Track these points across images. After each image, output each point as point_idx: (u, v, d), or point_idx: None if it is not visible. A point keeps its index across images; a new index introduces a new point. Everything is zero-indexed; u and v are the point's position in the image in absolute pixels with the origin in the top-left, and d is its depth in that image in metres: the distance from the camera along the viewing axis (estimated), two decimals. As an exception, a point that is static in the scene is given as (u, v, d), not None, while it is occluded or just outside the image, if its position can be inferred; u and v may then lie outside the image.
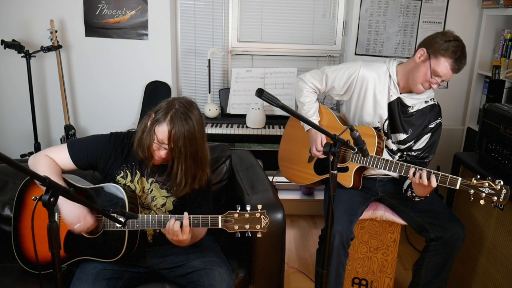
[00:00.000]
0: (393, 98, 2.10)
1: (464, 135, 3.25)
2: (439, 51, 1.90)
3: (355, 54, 3.27)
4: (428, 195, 1.98)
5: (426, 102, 2.12)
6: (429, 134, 2.13)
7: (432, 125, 2.12)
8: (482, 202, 1.76)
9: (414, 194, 2.04)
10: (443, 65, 1.90)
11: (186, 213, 1.58)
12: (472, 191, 1.77)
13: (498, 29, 3.02)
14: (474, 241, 2.21)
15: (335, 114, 2.30)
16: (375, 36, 3.23)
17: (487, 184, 1.75)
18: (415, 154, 2.14)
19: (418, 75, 1.97)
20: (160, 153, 1.62)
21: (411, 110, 2.11)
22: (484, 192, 1.75)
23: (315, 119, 2.24)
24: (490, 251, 2.10)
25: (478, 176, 1.78)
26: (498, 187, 1.73)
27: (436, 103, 2.15)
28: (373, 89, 2.10)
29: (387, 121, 2.12)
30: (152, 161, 1.67)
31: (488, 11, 3.00)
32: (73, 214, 1.58)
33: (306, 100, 2.22)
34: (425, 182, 1.84)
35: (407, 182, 2.06)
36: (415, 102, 2.10)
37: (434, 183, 1.83)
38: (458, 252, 2.02)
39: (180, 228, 1.57)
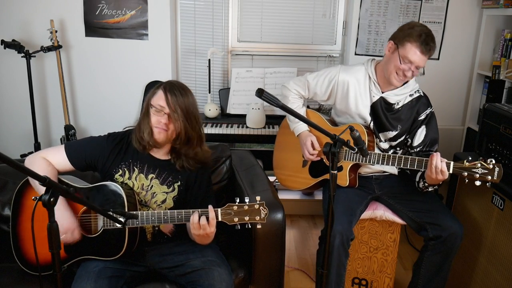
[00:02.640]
0: (376, 98, 2.12)
1: (464, 135, 3.25)
2: (404, 38, 1.96)
3: (355, 54, 3.27)
4: (440, 183, 1.96)
5: (411, 95, 2.13)
6: (423, 127, 2.13)
7: (422, 117, 2.12)
8: (477, 183, 1.77)
9: (426, 184, 2.03)
10: (411, 50, 1.94)
11: (210, 206, 1.59)
12: (465, 173, 1.78)
13: (498, 29, 3.02)
14: (474, 241, 2.21)
15: (324, 117, 2.31)
16: (375, 36, 3.23)
17: (479, 164, 1.76)
18: (417, 150, 2.14)
19: (390, 66, 2.02)
20: (161, 120, 1.65)
21: (396, 107, 2.13)
22: (477, 172, 1.76)
23: (303, 124, 2.25)
24: (490, 251, 2.10)
25: (470, 158, 1.79)
26: (491, 166, 1.75)
27: (422, 94, 2.15)
28: (354, 92, 2.14)
29: (372, 122, 2.15)
30: (154, 141, 1.68)
31: (488, 11, 3.00)
32: (62, 226, 1.58)
33: (293, 106, 2.26)
34: (440, 164, 1.82)
35: (419, 174, 2.06)
36: (400, 98, 2.11)
37: (444, 167, 1.82)
38: (457, 251, 2.02)
39: (207, 221, 1.57)
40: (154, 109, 1.65)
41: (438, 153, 1.85)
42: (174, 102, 1.64)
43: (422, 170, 1.93)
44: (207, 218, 1.57)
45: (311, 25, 3.37)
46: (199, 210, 1.59)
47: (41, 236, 1.47)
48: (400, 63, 1.97)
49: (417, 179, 2.10)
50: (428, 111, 2.13)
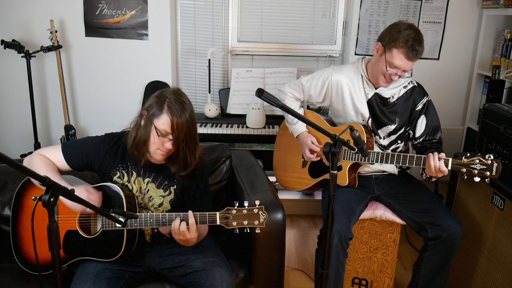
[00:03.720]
0: (370, 95, 2.13)
1: (464, 135, 3.25)
2: (390, 43, 1.94)
3: (355, 54, 3.27)
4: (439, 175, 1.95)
5: (405, 87, 2.14)
6: (422, 117, 2.13)
7: (419, 107, 2.13)
8: (477, 179, 1.78)
9: (429, 175, 2.01)
10: (397, 56, 1.93)
11: (190, 212, 1.58)
12: (464, 169, 1.79)
13: (498, 29, 3.02)
14: (474, 241, 2.21)
15: (322, 117, 2.31)
16: (375, 36, 3.23)
17: (477, 160, 1.76)
18: (421, 140, 2.15)
19: (378, 69, 2.03)
20: (166, 145, 1.62)
21: (392, 100, 2.13)
22: (476, 168, 1.77)
23: (302, 125, 2.25)
24: (490, 251, 2.10)
25: (468, 154, 1.79)
26: (489, 161, 1.75)
27: (416, 84, 2.16)
28: (348, 91, 2.15)
29: (370, 119, 2.15)
30: (148, 158, 1.67)
31: (488, 11, 3.00)
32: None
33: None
34: (437, 164, 1.83)
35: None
36: (394, 92, 2.12)
37: (442, 166, 1.84)
38: (457, 251, 2.02)
39: (187, 228, 1.57)
40: (159, 132, 1.60)
41: (436, 153, 1.85)
42: (179, 127, 1.59)
43: (421, 166, 1.93)
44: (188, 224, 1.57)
45: (311, 25, 3.37)
46: (182, 214, 1.58)
47: (41, 236, 1.47)
48: (387, 68, 1.97)
49: (420, 170, 2.10)
50: (424, 100, 2.13)
